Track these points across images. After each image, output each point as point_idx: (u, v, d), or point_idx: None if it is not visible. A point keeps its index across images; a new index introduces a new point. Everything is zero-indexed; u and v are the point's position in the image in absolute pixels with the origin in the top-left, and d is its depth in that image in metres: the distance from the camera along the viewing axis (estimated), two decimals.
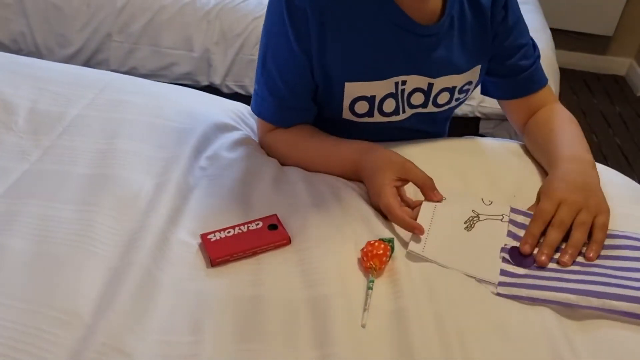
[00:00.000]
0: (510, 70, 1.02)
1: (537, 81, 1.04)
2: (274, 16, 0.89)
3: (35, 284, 0.70)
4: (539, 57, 1.04)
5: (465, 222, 0.83)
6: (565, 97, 2.73)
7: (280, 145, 0.98)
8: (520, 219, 0.84)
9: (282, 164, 0.97)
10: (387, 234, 0.81)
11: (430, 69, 0.94)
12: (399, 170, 0.85)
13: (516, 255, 0.79)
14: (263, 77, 0.94)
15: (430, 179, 0.85)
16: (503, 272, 0.76)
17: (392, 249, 0.77)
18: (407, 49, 0.91)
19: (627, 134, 2.53)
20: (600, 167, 1.02)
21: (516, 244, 0.80)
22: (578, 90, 2.86)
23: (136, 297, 0.70)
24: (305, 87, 0.94)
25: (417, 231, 0.79)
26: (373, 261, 0.74)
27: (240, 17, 1.93)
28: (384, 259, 0.75)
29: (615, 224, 0.84)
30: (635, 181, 1.00)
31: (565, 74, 2.73)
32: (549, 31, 2.08)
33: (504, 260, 0.78)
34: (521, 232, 0.81)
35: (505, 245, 0.80)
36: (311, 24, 0.86)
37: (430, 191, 0.85)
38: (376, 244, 0.76)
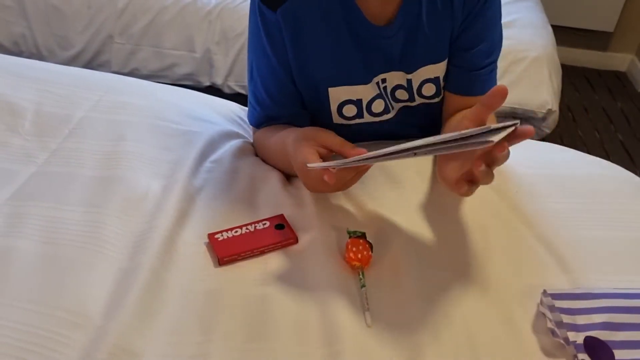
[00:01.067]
0: (463, 61, 0.95)
1: (484, 86, 0.96)
2: (253, 29, 0.91)
3: (45, 286, 0.70)
4: (495, 66, 0.98)
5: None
6: (567, 94, 2.73)
7: (256, 145, 1.01)
8: (565, 304, 0.71)
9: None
10: (389, 232, 0.82)
11: (402, 65, 0.93)
12: (313, 139, 0.81)
13: (594, 350, 0.68)
14: (250, 86, 0.97)
15: (348, 142, 0.80)
16: None
17: (371, 244, 0.77)
18: (373, 50, 0.91)
19: (629, 130, 2.53)
20: (602, 162, 1.02)
21: (581, 337, 0.68)
22: (579, 86, 2.86)
23: (145, 298, 0.70)
24: (289, 97, 0.95)
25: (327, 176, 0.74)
26: (360, 261, 0.75)
27: (241, 17, 1.93)
28: (366, 253, 0.76)
29: (617, 219, 0.85)
30: (638, 176, 1.00)
31: (567, 70, 2.73)
32: (550, 28, 2.08)
33: None
34: (578, 319, 0.69)
35: (574, 340, 0.68)
36: (285, 34, 0.87)
37: (350, 149, 0.79)
38: (360, 241, 0.76)
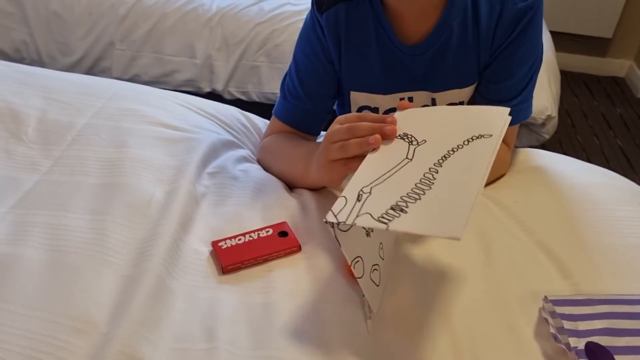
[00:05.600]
0: (488, 93, 0.96)
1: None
2: (307, 20, 0.97)
3: (50, 293, 0.71)
4: (524, 101, 0.96)
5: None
6: (566, 100, 2.74)
7: (266, 147, 1.02)
8: (567, 310, 0.71)
9: (266, 170, 0.99)
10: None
11: (428, 84, 0.95)
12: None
13: (595, 356, 0.67)
14: (285, 79, 1.01)
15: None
16: None
17: None
18: (398, 66, 0.94)
19: (629, 136, 2.54)
20: (600, 169, 1.03)
21: (582, 342, 0.68)
22: (578, 92, 2.87)
23: (150, 305, 0.70)
24: (320, 91, 0.99)
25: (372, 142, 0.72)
26: None
27: (242, 24, 1.94)
28: None
29: (616, 226, 0.86)
30: (637, 182, 1.01)
31: (566, 76, 2.74)
32: (548, 34, 2.09)
33: None
34: (579, 325, 0.70)
35: (576, 346, 0.67)
36: (327, 35, 0.94)
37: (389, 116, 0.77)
38: None
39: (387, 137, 0.72)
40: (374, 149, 0.72)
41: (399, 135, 0.73)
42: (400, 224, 0.60)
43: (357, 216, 0.62)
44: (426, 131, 0.73)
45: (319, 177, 0.84)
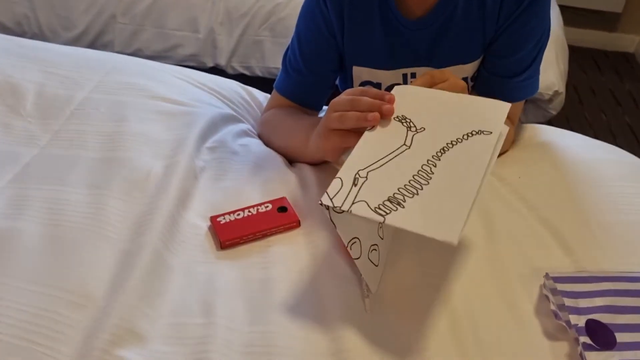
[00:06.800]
0: (494, 67, 0.94)
1: (513, 93, 0.94)
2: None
3: (48, 267, 0.71)
4: (531, 77, 0.95)
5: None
6: (574, 75, 2.70)
7: (268, 120, 1.01)
8: (568, 287, 0.71)
9: (266, 145, 0.98)
10: None
11: (429, 60, 0.94)
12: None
13: (596, 333, 0.67)
14: (287, 53, 1.00)
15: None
16: None
17: None
18: (401, 41, 0.92)
19: (637, 112, 2.51)
20: (606, 146, 1.02)
21: (583, 320, 0.68)
22: (587, 68, 2.83)
23: (147, 279, 0.70)
24: (325, 67, 0.97)
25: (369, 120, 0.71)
26: None
27: None
28: None
29: (620, 203, 0.85)
30: None
31: (574, 51, 2.69)
32: (557, 8, 2.05)
33: (585, 346, 0.66)
34: (580, 302, 0.69)
35: (576, 323, 0.68)
36: (332, 12, 0.92)
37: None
38: None
39: (384, 116, 0.72)
40: (372, 127, 0.71)
41: (397, 117, 0.73)
42: (396, 219, 0.61)
43: (353, 203, 0.62)
44: (425, 118, 0.72)
45: (316, 146, 0.84)
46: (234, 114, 1.05)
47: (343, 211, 0.62)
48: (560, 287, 0.71)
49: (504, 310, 0.71)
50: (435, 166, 0.66)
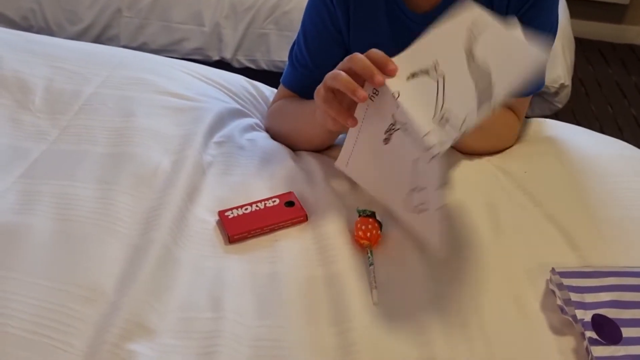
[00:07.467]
0: None
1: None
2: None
3: (58, 262, 0.71)
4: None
5: (385, 133, 0.72)
6: (581, 68, 2.69)
7: (275, 111, 1.01)
8: (574, 282, 0.71)
9: (272, 137, 0.98)
10: None
11: None
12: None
13: (602, 328, 0.67)
14: (293, 47, 0.99)
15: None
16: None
17: (380, 223, 0.78)
18: (407, 35, 0.91)
19: None
20: (612, 140, 1.01)
21: (589, 315, 0.67)
22: (593, 60, 2.81)
23: (156, 274, 0.71)
24: (331, 62, 0.94)
25: (350, 120, 0.74)
26: (369, 239, 0.75)
27: None
28: (375, 232, 0.76)
29: (626, 198, 0.85)
30: None
31: (580, 43, 2.68)
32: (563, 0, 2.04)
33: (591, 341, 0.66)
34: (586, 297, 0.69)
35: (582, 318, 0.67)
36: (338, 7, 0.92)
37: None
38: (370, 220, 0.77)
39: (373, 84, 0.71)
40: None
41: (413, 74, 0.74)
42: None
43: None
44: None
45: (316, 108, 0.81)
46: (241, 108, 1.05)
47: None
48: (567, 282, 0.71)
49: (510, 305, 0.71)
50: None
